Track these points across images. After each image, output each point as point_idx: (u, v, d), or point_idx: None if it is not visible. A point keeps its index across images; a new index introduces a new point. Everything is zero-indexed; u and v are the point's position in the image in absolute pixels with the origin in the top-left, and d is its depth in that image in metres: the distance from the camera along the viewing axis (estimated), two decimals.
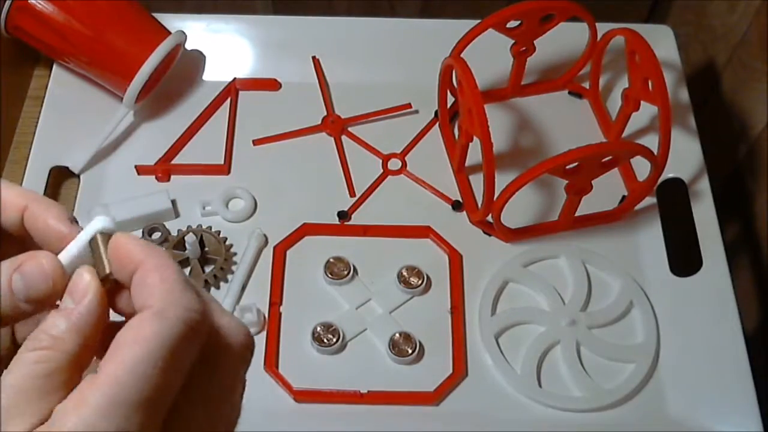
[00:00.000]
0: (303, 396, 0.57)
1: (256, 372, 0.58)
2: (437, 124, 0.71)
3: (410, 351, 0.58)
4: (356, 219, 0.66)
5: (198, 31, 0.74)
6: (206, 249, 0.63)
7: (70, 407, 0.26)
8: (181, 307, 0.27)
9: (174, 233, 0.63)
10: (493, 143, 0.58)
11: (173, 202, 0.65)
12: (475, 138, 0.61)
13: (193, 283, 0.29)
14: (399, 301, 0.62)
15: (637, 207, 0.66)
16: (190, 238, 0.61)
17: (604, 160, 0.58)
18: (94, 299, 0.28)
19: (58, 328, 0.27)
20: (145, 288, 0.28)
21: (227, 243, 0.63)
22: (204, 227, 0.64)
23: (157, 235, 0.63)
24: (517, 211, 0.64)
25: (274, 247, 0.64)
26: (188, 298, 0.28)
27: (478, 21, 0.65)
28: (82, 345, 0.27)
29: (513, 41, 0.67)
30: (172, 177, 0.67)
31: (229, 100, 0.72)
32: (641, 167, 0.64)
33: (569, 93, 0.74)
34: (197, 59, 0.74)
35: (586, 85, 0.73)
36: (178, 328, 0.27)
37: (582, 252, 0.64)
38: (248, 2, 0.89)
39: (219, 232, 0.64)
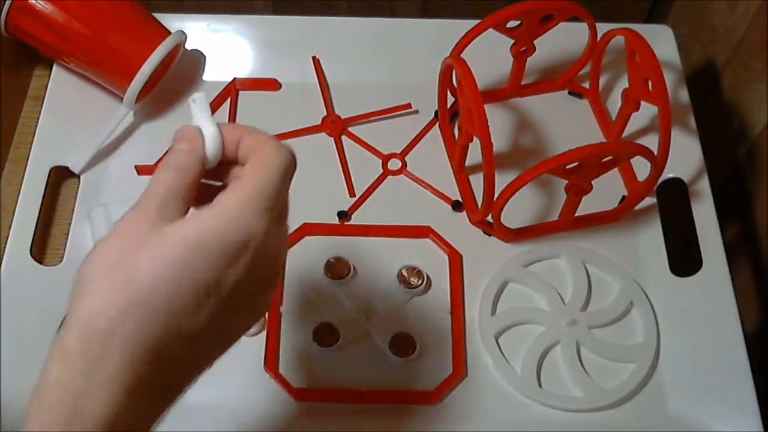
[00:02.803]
0: (303, 396, 0.57)
1: (256, 372, 0.58)
2: (437, 124, 0.71)
3: (410, 351, 0.58)
4: (356, 219, 0.66)
5: (198, 31, 0.74)
6: None
7: (231, 192, 0.37)
8: (286, 147, 0.39)
9: None
10: (493, 143, 0.58)
11: None
12: (475, 138, 0.61)
13: None
14: (399, 301, 0.62)
15: (637, 207, 0.66)
16: None
17: (604, 160, 0.58)
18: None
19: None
20: (258, 135, 0.40)
21: None
22: None
23: None
24: (517, 211, 0.64)
25: None
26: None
27: (478, 21, 0.65)
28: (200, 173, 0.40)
29: (513, 41, 0.67)
30: None
31: (229, 100, 0.72)
32: (641, 167, 0.64)
33: (569, 93, 0.74)
34: (197, 59, 0.74)
35: (586, 85, 0.73)
36: (292, 157, 0.39)
37: (582, 252, 0.64)
38: (248, 2, 0.89)
39: None
